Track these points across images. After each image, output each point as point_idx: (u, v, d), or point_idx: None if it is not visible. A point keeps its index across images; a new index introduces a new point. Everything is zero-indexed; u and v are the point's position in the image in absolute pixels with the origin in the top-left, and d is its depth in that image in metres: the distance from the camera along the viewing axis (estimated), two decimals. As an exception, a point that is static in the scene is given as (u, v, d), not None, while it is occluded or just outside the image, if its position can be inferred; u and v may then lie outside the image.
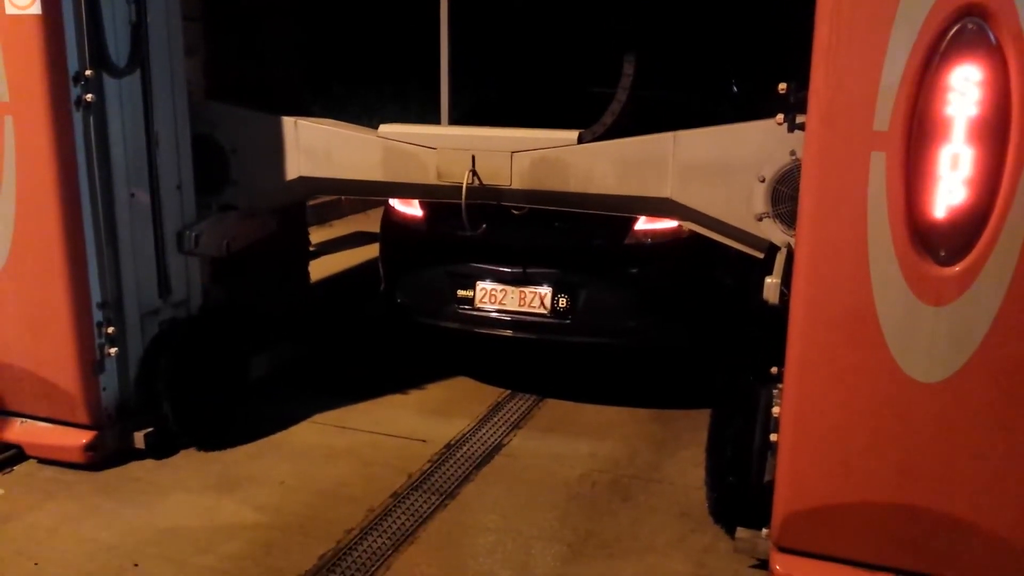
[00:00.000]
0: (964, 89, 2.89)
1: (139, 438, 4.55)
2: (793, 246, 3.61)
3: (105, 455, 4.50)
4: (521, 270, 5.14)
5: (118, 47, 4.26)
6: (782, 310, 3.44)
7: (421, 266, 5.46)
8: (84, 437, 4.44)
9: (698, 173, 4.14)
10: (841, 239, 3.11)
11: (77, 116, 4.14)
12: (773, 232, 3.94)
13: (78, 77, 4.10)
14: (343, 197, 10.94)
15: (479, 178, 4.51)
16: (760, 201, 3.94)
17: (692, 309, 5.11)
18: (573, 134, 4.39)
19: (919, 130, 2.95)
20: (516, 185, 4.50)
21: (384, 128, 4.67)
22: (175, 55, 4.62)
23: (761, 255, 4.06)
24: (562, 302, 5.07)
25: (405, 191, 5.03)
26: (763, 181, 3.92)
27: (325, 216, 10.07)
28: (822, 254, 3.16)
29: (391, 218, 5.69)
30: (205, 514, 4.09)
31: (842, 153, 3.05)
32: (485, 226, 4.84)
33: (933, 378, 3.10)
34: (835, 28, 2.99)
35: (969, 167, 2.92)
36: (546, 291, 5.10)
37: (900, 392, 3.14)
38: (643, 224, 5.00)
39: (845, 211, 3.08)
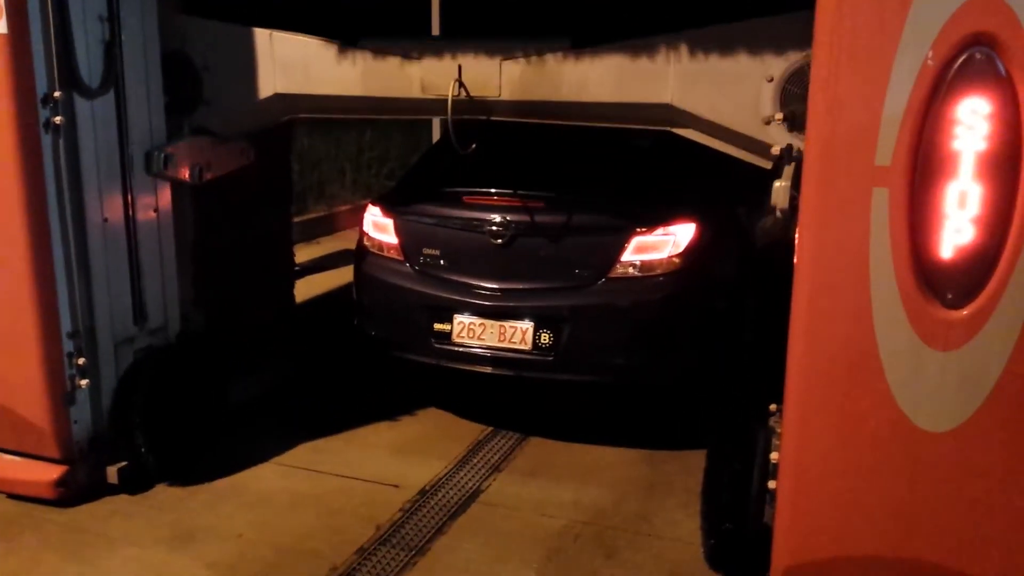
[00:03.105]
0: (972, 122, 2.72)
1: (112, 473, 4.39)
2: (803, 150, 3.39)
3: (76, 490, 4.32)
4: (501, 303, 4.87)
5: (91, 67, 4.10)
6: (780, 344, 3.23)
7: (396, 297, 5.16)
8: (54, 472, 4.26)
9: (701, 76, 3.91)
10: (842, 279, 2.93)
11: (46, 139, 3.97)
12: (782, 136, 3.69)
13: (47, 99, 3.93)
14: (330, 213, 10.84)
15: (466, 90, 4.28)
16: (768, 103, 3.72)
17: (684, 345, 4.85)
18: (566, 39, 4.18)
19: (924, 165, 2.78)
20: (505, 96, 4.29)
21: (365, 41, 4.45)
22: (151, 73, 4.46)
23: (768, 165, 3.78)
24: (545, 337, 4.77)
25: (388, 107, 4.73)
26: (771, 81, 3.70)
27: (313, 233, 9.91)
28: (822, 294, 2.98)
29: (365, 245, 5.40)
30: (154, 573, 3.80)
31: (842, 189, 2.88)
32: (474, 146, 4.59)
33: (940, 427, 2.92)
34: (834, 55, 2.82)
35: (977, 205, 2.76)
36: (527, 326, 4.80)
37: (905, 442, 2.96)
38: (630, 255, 4.74)
39: (846, 249, 2.91)
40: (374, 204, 5.43)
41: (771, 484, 3.38)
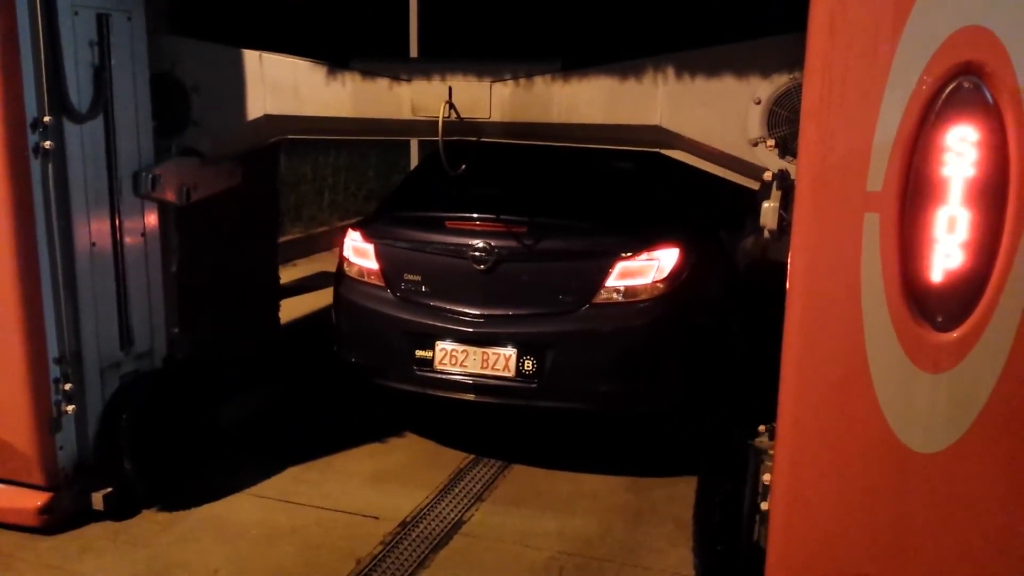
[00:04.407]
0: (960, 149, 2.79)
1: (97, 499, 4.34)
2: (791, 173, 3.42)
3: (61, 517, 4.27)
4: (484, 330, 4.83)
5: (80, 91, 4.10)
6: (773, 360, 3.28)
7: (377, 324, 5.09)
8: (39, 499, 4.22)
9: (689, 97, 3.97)
10: (834, 302, 2.98)
11: (35, 164, 3.96)
12: (770, 158, 3.74)
13: (36, 124, 3.93)
14: (307, 235, 10.80)
15: (457, 111, 4.31)
16: (755, 125, 3.78)
17: (670, 370, 4.82)
18: (556, 61, 4.23)
19: (914, 191, 2.84)
20: (496, 117, 4.33)
21: (355, 63, 4.47)
22: (140, 96, 4.47)
23: (756, 185, 3.80)
24: (528, 364, 4.71)
25: (378, 128, 4.74)
26: (759, 103, 3.76)
27: (289, 255, 9.83)
28: (814, 317, 3.03)
29: (345, 271, 5.31)
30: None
31: (835, 214, 2.93)
32: (464, 167, 4.61)
33: (931, 448, 2.97)
34: (826, 84, 2.88)
35: (966, 230, 2.82)
36: (511, 352, 4.75)
37: (896, 462, 3.00)
38: (614, 280, 4.71)
39: (838, 274, 2.96)
40: (354, 229, 5.34)
41: (763, 505, 3.42)
